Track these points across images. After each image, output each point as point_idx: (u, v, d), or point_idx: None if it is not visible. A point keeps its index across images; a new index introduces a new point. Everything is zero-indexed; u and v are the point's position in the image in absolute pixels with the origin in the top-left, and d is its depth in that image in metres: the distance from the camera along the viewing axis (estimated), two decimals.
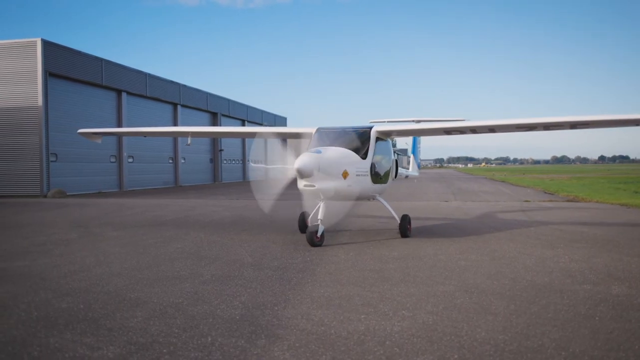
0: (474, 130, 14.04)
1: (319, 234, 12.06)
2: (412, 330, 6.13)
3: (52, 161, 34.05)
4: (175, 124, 48.38)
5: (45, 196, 32.67)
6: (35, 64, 33.20)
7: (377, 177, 13.50)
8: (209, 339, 5.82)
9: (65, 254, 11.34)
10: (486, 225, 16.59)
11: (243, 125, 64.75)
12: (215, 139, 56.65)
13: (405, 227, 13.65)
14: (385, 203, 13.99)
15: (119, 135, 19.91)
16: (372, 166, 13.20)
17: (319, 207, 13.65)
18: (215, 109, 57.82)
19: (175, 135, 44.26)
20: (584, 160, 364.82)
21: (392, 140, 15.13)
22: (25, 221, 18.37)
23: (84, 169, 37.26)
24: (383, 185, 14.04)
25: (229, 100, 61.49)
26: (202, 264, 10.16)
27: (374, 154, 13.33)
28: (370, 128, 13.64)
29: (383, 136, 14.12)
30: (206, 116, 56.73)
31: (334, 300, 7.52)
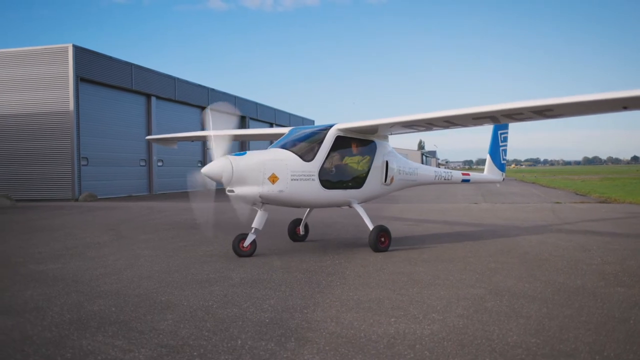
0: (430, 123, 12.02)
1: (246, 243, 11.37)
2: (442, 333, 6.09)
3: (83, 165, 34.49)
4: (203, 128, 48.66)
5: (76, 200, 33.11)
6: (67, 69, 33.66)
7: (335, 181, 12.00)
8: (239, 342, 5.84)
9: (96, 257, 11.48)
10: (516, 227, 16.42)
11: (270, 127, 64.96)
12: (243, 142, 56.91)
13: (374, 240, 11.85)
14: (360, 211, 12.25)
15: (184, 140, 20.12)
16: (324, 169, 11.70)
17: (306, 213, 13.66)
18: (244, 112, 58.05)
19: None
20: (616, 161, 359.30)
21: (380, 140, 13.02)
22: (58, 224, 18.64)
23: (114, 173, 37.68)
24: (351, 191, 12.28)
25: (256, 104, 61.73)
26: (232, 267, 10.20)
27: (329, 156, 11.87)
28: (328, 128, 12.22)
29: (356, 135, 12.53)
30: (234, 120, 56.91)
31: (364, 303, 7.49)
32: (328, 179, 11.80)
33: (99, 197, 34.55)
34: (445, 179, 15.55)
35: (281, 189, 11.11)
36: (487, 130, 17.46)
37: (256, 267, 10.17)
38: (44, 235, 15.42)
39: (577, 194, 33.84)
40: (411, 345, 5.71)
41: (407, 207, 24.90)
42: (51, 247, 12.94)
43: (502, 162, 17.56)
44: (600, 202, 27.08)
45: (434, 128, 12.68)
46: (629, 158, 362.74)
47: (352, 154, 12.58)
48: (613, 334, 5.99)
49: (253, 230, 11.45)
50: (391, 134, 13.40)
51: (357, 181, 12.41)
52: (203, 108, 49.79)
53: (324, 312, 7.05)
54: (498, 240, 13.65)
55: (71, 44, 33.64)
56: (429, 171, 15.19)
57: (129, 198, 36.29)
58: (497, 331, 6.14)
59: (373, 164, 12.66)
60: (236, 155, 11.06)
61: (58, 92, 33.86)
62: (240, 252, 11.36)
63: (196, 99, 48.50)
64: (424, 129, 12.78)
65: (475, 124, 12.06)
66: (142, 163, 41.08)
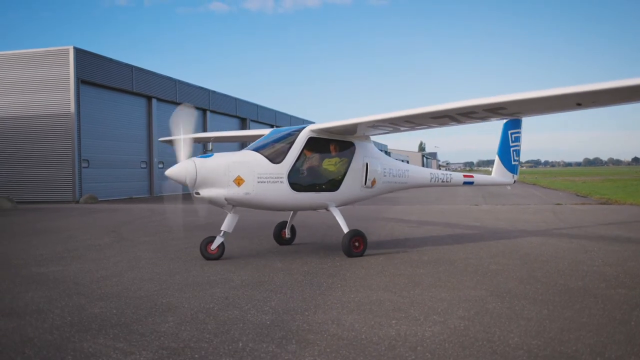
0: (392, 123, 11.48)
1: (213, 246, 11.27)
2: (443, 335, 6.09)
3: (84, 167, 34.50)
4: (204, 130, 48.66)
5: (77, 202, 33.13)
6: (68, 71, 33.70)
7: (307, 184, 11.65)
8: (240, 344, 5.84)
9: (97, 259, 11.49)
10: (517, 229, 16.41)
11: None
12: (243, 143, 56.97)
13: (347, 245, 11.49)
14: (336, 215, 11.93)
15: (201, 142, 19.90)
16: (294, 172, 11.37)
17: (290, 216, 13.37)
18: (244, 114, 58.11)
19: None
20: (617, 162, 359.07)
21: (360, 142, 12.54)
22: (59, 227, 18.64)
23: (115, 175, 37.70)
24: (327, 193, 11.87)
25: (257, 106, 61.78)
26: (233, 269, 10.21)
27: (301, 158, 11.57)
28: (301, 129, 11.91)
29: (332, 136, 12.12)
30: (235, 121, 57.02)
31: (365, 305, 7.49)
32: (298, 182, 11.47)
33: (99, 199, 34.58)
34: (443, 182, 14.92)
35: (247, 191, 10.92)
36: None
37: (257, 269, 10.17)
38: (45, 238, 15.42)
39: (578, 196, 33.83)
40: (412, 347, 5.71)
41: (408, 208, 24.90)
42: (52, 250, 12.94)
43: (514, 163, 16.47)
44: (601, 204, 27.07)
45: (401, 128, 12.24)
46: (629, 159, 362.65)
47: (326, 155, 12.16)
48: (614, 336, 5.99)
49: (222, 233, 11.32)
50: (371, 135, 12.94)
51: (333, 184, 11.98)
52: (204, 110, 49.87)
53: (325, 314, 7.05)
54: (499, 241, 13.65)
55: (72, 46, 33.67)
56: (423, 173, 14.65)
57: (130, 200, 36.30)
58: (499, 333, 6.13)
59: (351, 166, 12.19)
60: (202, 157, 10.95)
61: (59, 95, 33.89)
62: (207, 255, 11.28)
63: (197, 101, 48.49)
64: (391, 129, 12.39)
65: (437, 123, 11.60)
66: (143, 165, 41.10)
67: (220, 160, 10.88)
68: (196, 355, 5.52)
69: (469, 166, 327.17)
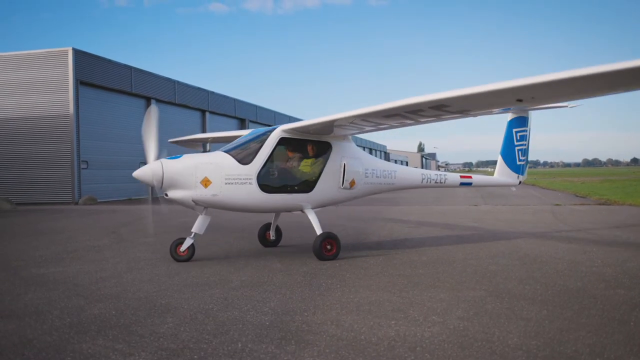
0: (352, 122, 11.10)
1: (183, 248, 11.22)
2: (442, 336, 6.09)
3: (83, 168, 34.48)
4: (203, 131, 48.67)
5: (76, 203, 33.11)
6: (67, 72, 33.68)
7: (278, 185, 11.44)
8: (239, 345, 5.84)
9: (97, 261, 11.48)
10: (516, 230, 16.42)
11: None
12: None
13: (318, 248, 11.20)
14: (311, 217, 11.71)
15: (208, 142, 19.77)
16: (263, 173, 11.18)
17: (273, 217, 13.23)
18: (243, 115, 58.11)
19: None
20: (616, 163, 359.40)
21: (337, 142, 12.24)
22: (58, 228, 18.63)
23: (114, 176, 37.64)
24: (300, 195, 11.65)
25: (256, 107, 61.79)
26: (232, 270, 10.21)
27: (271, 158, 11.39)
28: (272, 130, 11.74)
29: (306, 136, 11.86)
30: (234, 122, 57.02)
31: (364, 305, 7.49)
32: (269, 183, 11.27)
33: (99, 200, 34.55)
34: (437, 182, 14.44)
35: (215, 193, 10.80)
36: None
37: (256, 270, 10.17)
38: (44, 239, 15.42)
39: (577, 196, 33.86)
40: (411, 347, 5.71)
41: (407, 209, 24.91)
42: (52, 251, 12.94)
43: (519, 163, 15.75)
44: (600, 204, 27.08)
45: (366, 128, 12.00)
46: (628, 160, 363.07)
47: (299, 156, 11.92)
48: (613, 336, 5.99)
49: (192, 235, 11.28)
50: (344, 134, 12.47)
51: (307, 185, 11.71)
52: (203, 111, 49.89)
53: (324, 314, 7.05)
54: (498, 242, 13.65)
55: (71, 48, 33.67)
56: (413, 174, 14.18)
57: (129, 201, 36.27)
58: (498, 333, 6.14)
59: (327, 167, 11.90)
60: (170, 158, 10.94)
61: (58, 96, 33.87)
62: (177, 257, 11.23)
63: (196, 102, 48.53)
64: (356, 130, 12.12)
65: (393, 122, 11.23)
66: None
67: (187, 162, 10.83)
68: (195, 356, 5.52)
69: (467, 167, 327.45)
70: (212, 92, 51.67)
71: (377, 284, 8.85)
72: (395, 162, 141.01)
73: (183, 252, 11.22)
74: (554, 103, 9.37)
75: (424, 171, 14.42)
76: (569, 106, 13.40)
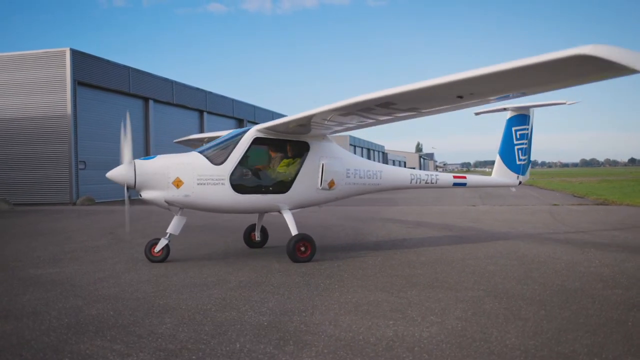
0: (311, 120, 10.72)
1: (157, 249, 11.22)
2: (441, 336, 6.09)
3: (80, 169, 34.45)
4: (201, 131, 48.66)
5: (74, 204, 33.08)
6: (64, 73, 33.67)
7: (252, 185, 11.27)
8: (238, 345, 5.84)
9: (95, 261, 11.47)
10: (514, 230, 16.43)
11: None
12: None
13: (291, 250, 10.98)
14: (287, 218, 11.49)
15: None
16: (236, 173, 11.06)
17: (257, 218, 13.08)
18: (241, 115, 58.14)
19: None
20: (614, 163, 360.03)
21: (315, 141, 11.97)
22: (56, 228, 18.61)
23: None
24: (275, 196, 11.43)
25: (254, 107, 61.85)
26: (230, 270, 10.20)
27: (245, 159, 11.25)
28: (246, 130, 11.63)
29: (281, 136, 11.66)
30: (232, 122, 57.02)
31: (362, 306, 7.49)
32: (242, 184, 11.14)
33: (96, 201, 34.52)
34: (427, 183, 13.93)
35: (187, 193, 10.77)
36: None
37: (254, 270, 10.16)
38: (42, 239, 15.40)
39: (574, 196, 33.89)
40: (410, 347, 5.71)
41: (406, 209, 24.92)
42: (49, 251, 12.92)
43: (519, 163, 15.24)
44: (598, 204, 27.12)
45: (334, 128, 11.65)
46: (626, 160, 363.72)
47: (275, 156, 11.79)
48: (611, 336, 6.00)
49: (167, 235, 11.30)
50: (323, 134, 12.15)
51: (282, 185, 11.51)
52: (201, 111, 49.88)
53: (323, 315, 7.05)
54: (496, 242, 13.66)
55: (69, 48, 33.66)
56: (401, 174, 13.70)
57: None
58: (496, 333, 6.14)
59: (303, 167, 11.67)
60: (144, 159, 10.96)
61: (56, 96, 33.86)
62: (151, 257, 11.23)
63: (194, 102, 48.53)
64: (326, 130, 11.77)
65: (350, 121, 10.96)
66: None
67: (160, 162, 10.84)
68: (193, 357, 5.52)
69: (465, 167, 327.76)
70: (210, 93, 51.69)
71: (376, 284, 8.85)
72: (393, 162, 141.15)
73: (157, 252, 11.23)
74: (490, 98, 8.92)
75: (413, 171, 14.00)
76: (567, 103, 13.25)
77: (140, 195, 10.85)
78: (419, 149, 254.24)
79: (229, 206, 11.22)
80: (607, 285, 8.62)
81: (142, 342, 6.00)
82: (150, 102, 42.00)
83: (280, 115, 69.13)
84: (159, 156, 11.04)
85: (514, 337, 5.99)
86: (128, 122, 11.20)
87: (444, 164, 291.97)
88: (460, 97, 8.68)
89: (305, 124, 10.90)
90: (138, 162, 10.73)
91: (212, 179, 10.89)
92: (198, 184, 10.81)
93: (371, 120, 10.85)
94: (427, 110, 10.02)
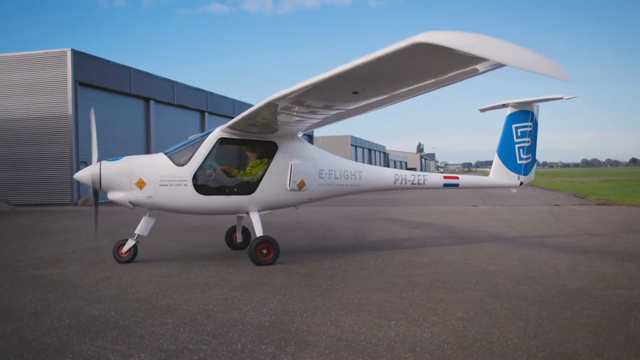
0: (259, 117, 10.24)
1: (124, 249, 11.27)
2: (442, 336, 6.08)
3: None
4: (202, 131, 48.69)
5: (75, 204, 33.09)
6: (66, 73, 33.72)
7: (216, 186, 11.12)
8: (239, 346, 5.83)
9: (96, 262, 11.47)
10: (515, 230, 16.41)
11: None
12: None
13: (252, 252, 10.74)
14: (254, 219, 11.24)
15: None
16: (200, 174, 10.93)
17: (237, 219, 12.88)
18: None
19: None
20: (615, 163, 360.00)
21: (284, 141, 11.68)
22: (57, 229, 18.61)
23: None
24: (241, 197, 11.20)
25: None
26: (231, 271, 10.19)
27: (209, 159, 11.09)
28: (212, 131, 11.49)
29: (248, 136, 11.40)
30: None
31: (364, 306, 7.49)
32: (205, 185, 11.01)
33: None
34: (414, 184, 13.27)
35: (150, 194, 10.78)
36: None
37: (256, 271, 10.16)
38: (43, 240, 15.41)
39: (576, 196, 33.88)
40: (411, 348, 5.71)
41: (407, 209, 24.91)
42: (50, 252, 12.92)
43: (520, 162, 14.16)
44: (599, 204, 27.10)
45: (292, 125, 11.14)
46: (627, 160, 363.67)
47: (239, 156, 11.64)
48: (613, 336, 5.99)
49: (135, 236, 11.33)
50: (291, 133, 11.76)
51: (247, 187, 11.27)
52: (202, 112, 49.88)
53: (324, 315, 7.04)
54: (497, 242, 13.65)
55: (70, 49, 33.70)
56: (383, 174, 13.13)
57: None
58: (497, 334, 6.13)
59: (270, 167, 11.40)
60: (110, 160, 11.00)
61: (57, 97, 33.90)
62: (119, 258, 11.28)
63: (195, 103, 48.54)
64: (279, 129, 11.28)
65: (284, 119, 10.38)
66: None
67: (124, 164, 10.88)
68: (195, 357, 5.52)
69: (467, 167, 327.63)
70: (211, 93, 51.70)
71: (377, 285, 8.84)
72: (394, 162, 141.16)
73: (125, 253, 11.29)
74: (384, 95, 8.68)
75: (398, 171, 13.38)
76: (565, 98, 12.76)
77: (108, 196, 10.96)
78: (420, 149, 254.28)
79: (192, 208, 11.16)
80: (608, 285, 8.61)
81: (144, 342, 6.00)
82: (151, 103, 42.01)
83: None
84: (124, 157, 11.07)
85: (516, 338, 5.98)
86: (93, 121, 11.24)
87: (445, 164, 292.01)
88: (356, 92, 8.46)
89: (255, 123, 10.61)
90: (104, 163, 10.85)
91: (175, 180, 10.85)
92: (161, 185, 10.80)
93: (306, 115, 10.26)
94: (339, 108, 9.68)
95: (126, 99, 39.60)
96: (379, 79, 7.85)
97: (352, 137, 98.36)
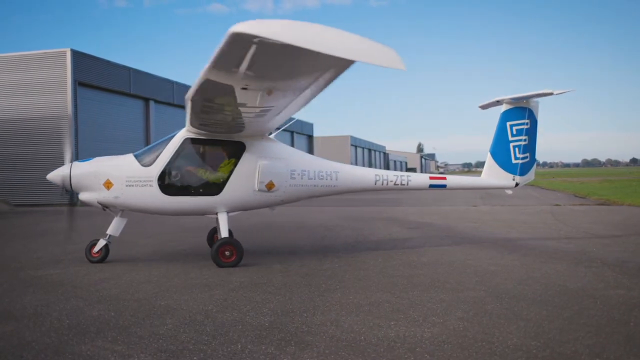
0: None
1: (96, 249, 11.33)
2: (442, 336, 6.08)
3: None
4: None
5: (75, 205, 33.03)
6: (65, 73, 33.63)
7: (181, 187, 11.05)
8: (239, 346, 5.83)
9: (95, 262, 11.45)
10: (516, 230, 16.41)
11: None
12: None
13: (214, 254, 10.65)
14: (220, 220, 11.18)
15: None
16: (165, 175, 10.90)
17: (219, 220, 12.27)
18: None
19: None
20: (615, 163, 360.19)
21: (253, 141, 11.46)
22: (57, 229, 18.62)
23: None
24: (207, 198, 11.09)
25: None
26: (231, 271, 10.18)
27: (175, 160, 11.03)
28: (178, 132, 11.44)
29: (214, 136, 11.30)
30: None
31: (364, 306, 7.48)
32: (170, 185, 10.97)
33: None
34: (396, 184, 12.65)
35: (116, 195, 10.89)
36: (490, 131, 13.97)
37: (255, 271, 10.15)
38: (42, 240, 15.42)
39: (576, 196, 33.89)
40: (411, 348, 5.70)
41: (407, 209, 24.92)
42: (50, 252, 12.92)
43: (515, 162, 13.29)
44: (599, 204, 27.11)
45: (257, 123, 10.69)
46: (627, 160, 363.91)
47: (206, 157, 11.56)
48: (613, 336, 5.99)
49: (107, 237, 11.41)
50: (260, 133, 11.51)
51: (214, 187, 11.14)
52: None
53: (324, 315, 7.04)
54: (497, 243, 13.64)
55: (69, 49, 33.63)
56: (363, 175, 12.59)
57: None
58: (498, 334, 6.13)
59: (238, 168, 11.21)
60: (81, 161, 11.21)
61: (56, 97, 33.82)
62: (90, 258, 11.36)
63: None
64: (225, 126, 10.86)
65: (217, 116, 10.03)
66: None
67: (92, 165, 11.07)
68: (195, 358, 5.51)
69: (467, 167, 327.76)
70: None
71: (377, 285, 8.83)
72: (394, 162, 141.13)
73: (96, 253, 11.37)
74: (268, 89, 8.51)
75: (379, 172, 12.74)
76: (555, 93, 12.23)
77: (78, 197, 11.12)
78: (420, 149, 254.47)
79: (158, 208, 11.19)
80: (608, 285, 8.61)
81: (143, 343, 5.99)
82: (151, 103, 41.96)
83: None
84: (95, 158, 11.28)
85: (516, 338, 5.98)
86: (70, 122, 11.36)
87: (445, 164, 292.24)
88: (245, 88, 8.05)
89: (205, 122, 10.44)
90: (75, 164, 11.10)
91: (140, 181, 10.90)
92: (127, 186, 10.90)
93: (249, 117, 9.92)
94: (252, 106, 9.25)
95: (126, 99, 39.55)
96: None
97: (352, 137, 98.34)
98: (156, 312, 7.29)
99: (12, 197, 32.86)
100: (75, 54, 34.04)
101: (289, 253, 12.32)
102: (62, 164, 11.61)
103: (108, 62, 37.44)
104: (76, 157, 33.59)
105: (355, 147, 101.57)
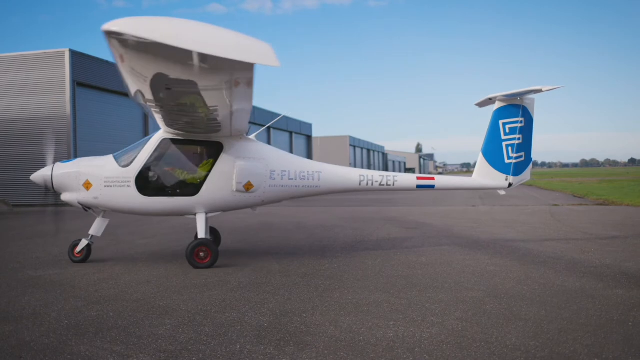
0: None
1: (78, 249, 11.38)
2: (441, 336, 6.08)
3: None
4: None
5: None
6: (64, 74, 33.61)
7: (158, 187, 11.09)
8: (238, 347, 5.83)
9: (94, 262, 11.45)
10: (514, 230, 16.42)
11: (267, 131, 65.08)
12: None
13: (189, 255, 10.61)
14: (198, 221, 11.15)
15: None
16: (142, 175, 10.94)
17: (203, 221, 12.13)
18: None
19: None
20: (614, 163, 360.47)
21: (231, 141, 11.40)
22: (55, 230, 18.58)
23: None
24: (185, 198, 11.06)
25: (254, 107, 61.78)
26: (230, 271, 10.19)
27: (150, 161, 11.03)
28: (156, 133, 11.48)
29: (193, 137, 11.29)
30: None
31: (363, 306, 7.48)
32: (148, 186, 11.01)
33: None
34: (382, 185, 12.40)
35: (95, 195, 10.98)
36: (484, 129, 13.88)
37: (254, 271, 10.15)
38: (40, 241, 15.40)
39: (575, 197, 33.90)
40: (410, 348, 5.71)
41: (405, 209, 24.92)
42: (49, 253, 12.91)
43: (508, 161, 12.93)
44: (598, 205, 27.12)
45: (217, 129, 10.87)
46: (626, 160, 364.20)
47: (184, 157, 11.50)
48: (612, 336, 6.00)
49: (90, 237, 11.45)
50: (238, 133, 11.37)
51: (191, 188, 11.13)
52: None
53: (323, 316, 7.04)
54: (496, 243, 13.66)
55: (68, 49, 33.60)
56: (347, 175, 12.32)
57: None
58: (496, 334, 6.13)
59: (215, 168, 11.16)
60: (63, 162, 11.37)
61: (55, 97, 33.79)
62: (73, 258, 11.40)
63: None
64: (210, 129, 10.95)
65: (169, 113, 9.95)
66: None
67: (73, 166, 11.22)
68: (194, 358, 5.51)
69: (465, 167, 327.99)
70: None
71: (376, 285, 8.84)
72: (394, 163, 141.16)
73: (78, 253, 11.41)
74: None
75: (364, 172, 12.49)
76: (544, 90, 11.87)
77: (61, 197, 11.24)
78: (419, 149, 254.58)
79: (136, 209, 11.24)
80: (607, 285, 8.62)
81: (142, 343, 5.99)
82: None
83: (278, 115, 69.12)
84: (77, 159, 11.46)
85: (515, 338, 5.99)
86: (50, 127, 11.43)
87: (444, 165, 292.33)
88: (169, 88, 8.07)
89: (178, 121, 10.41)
90: (57, 165, 11.32)
91: (118, 182, 10.97)
92: (105, 187, 10.98)
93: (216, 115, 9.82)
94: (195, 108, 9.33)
95: (125, 99, 39.43)
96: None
97: (350, 137, 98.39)
98: (155, 313, 7.29)
99: (11, 198, 32.81)
100: (74, 54, 34.02)
101: (288, 253, 12.32)
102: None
103: (107, 62, 37.38)
104: (75, 157, 33.66)
105: (354, 147, 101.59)
